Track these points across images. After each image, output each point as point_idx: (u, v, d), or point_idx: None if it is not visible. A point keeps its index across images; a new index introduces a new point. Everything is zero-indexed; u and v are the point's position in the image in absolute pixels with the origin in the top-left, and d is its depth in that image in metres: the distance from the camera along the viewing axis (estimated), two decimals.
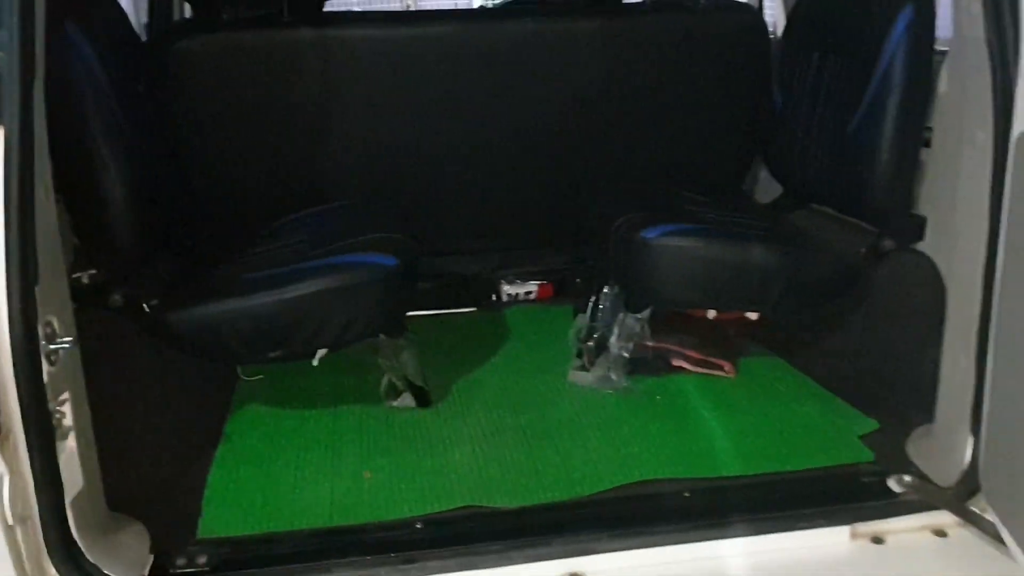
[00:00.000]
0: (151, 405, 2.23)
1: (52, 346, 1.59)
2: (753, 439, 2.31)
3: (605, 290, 2.72)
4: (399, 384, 2.52)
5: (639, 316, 2.51)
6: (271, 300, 2.17)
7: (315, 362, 2.29)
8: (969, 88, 1.94)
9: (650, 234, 2.32)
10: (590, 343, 2.68)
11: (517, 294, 3.30)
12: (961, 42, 1.97)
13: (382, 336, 2.42)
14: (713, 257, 2.32)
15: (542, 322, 3.11)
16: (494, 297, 3.29)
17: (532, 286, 3.30)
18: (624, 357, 2.53)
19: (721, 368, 2.62)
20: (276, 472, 2.24)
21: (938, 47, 2.32)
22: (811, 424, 2.37)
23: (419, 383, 2.52)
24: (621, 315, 2.54)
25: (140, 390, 2.20)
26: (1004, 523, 1.83)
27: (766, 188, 3.14)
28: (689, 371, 2.62)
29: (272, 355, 2.26)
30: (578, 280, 3.24)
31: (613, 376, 2.54)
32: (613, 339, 2.55)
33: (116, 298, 2.15)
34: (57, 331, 1.62)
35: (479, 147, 3.01)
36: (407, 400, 2.53)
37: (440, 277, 3.19)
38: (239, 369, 2.67)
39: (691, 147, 3.13)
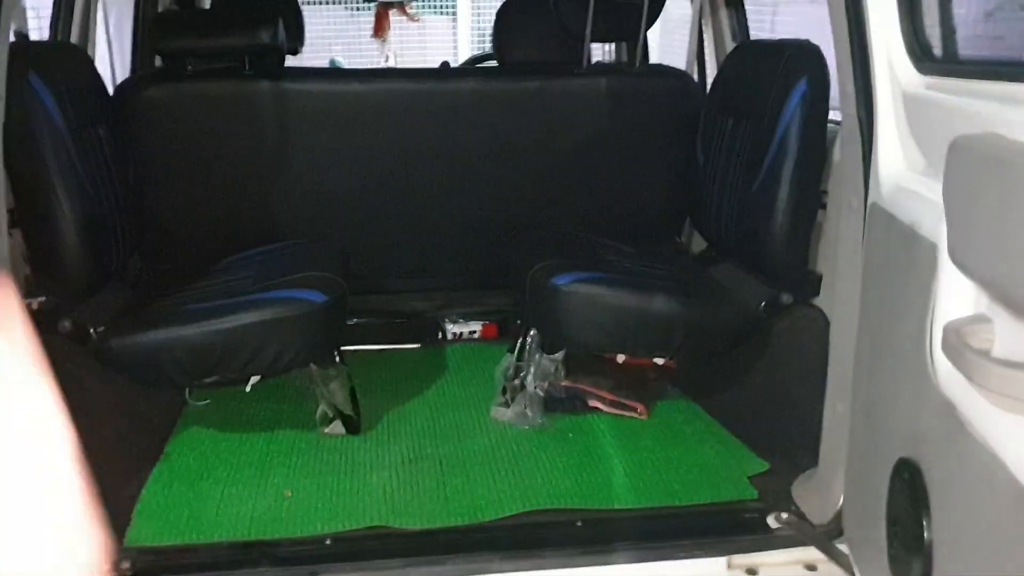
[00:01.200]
0: (96, 425, 2.40)
1: None
2: (650, 475, 2.48)
3: (532, 332, 2.91)
4: (330, 412, 2.70)
5: (553, 357, 2.70)
6: (207, 330, 2.37)
7: (248, 388, 2.48)
8: (847, 158, 2.14)
9: (560, 280, 2.52)
10: (515, 382, 2.86)
11: (461, 333, 3.49)
12: (843, 116, 2.18)
13: (313, 365, 2.61)
14: (618, 304, 2.51)
15: (480, 361, 3.29)
16: (439, 335, 3.48)
17: (476, 325, 3.50)
18: (540, 395, 2.72)
19: (634, 410, 2.79)
20: (206, 489, 2.42)
21: (833, 118, 2.54)
22: (707, 463, 2.54)
23: (348, 411, 2.70)
24: (537, 356, 2.73)
25: (86, 411, 2.38)
26: (856, 561, 2.01)
27: (700, 241, 3.35)
28: (603, 411, 2.80)
29: (208, 381, 2.46)
30: (519, 321, 3.43)
31: (529, 413, 2.72)
32: (529, 378, 2.73)
33: (65, 324, 2.35)
34: None
35: (424, 193, 3.23)
36: (337, 427, 2.71)
37: (387, 315, 3.38)
38: (187, 393, 2.86)
39: (626, 200, 3.34)
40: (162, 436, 2.68)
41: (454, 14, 8.80)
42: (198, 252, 3.08)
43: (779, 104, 2.54)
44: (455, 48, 8.45)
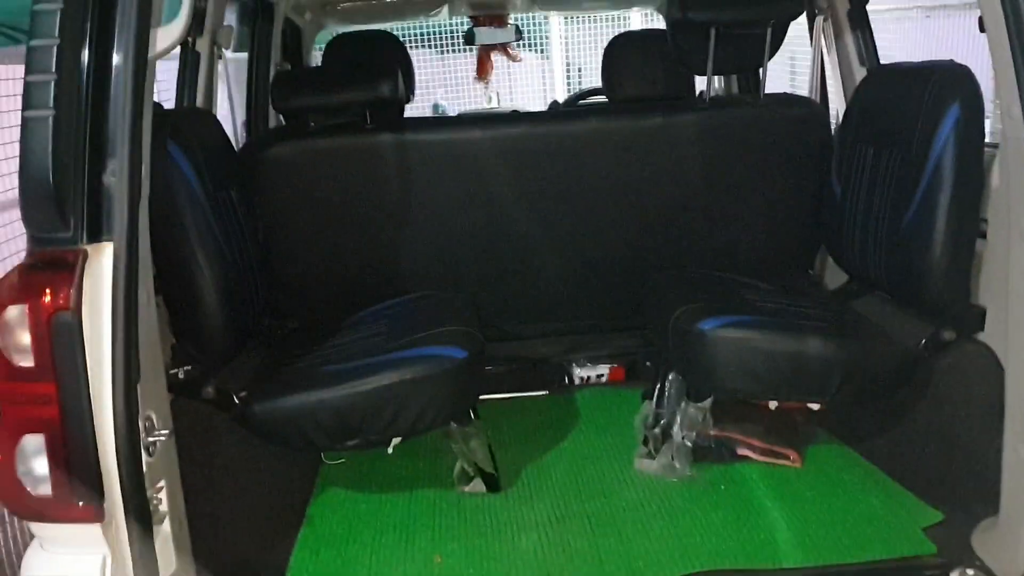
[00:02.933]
0: (239, 489, 2.39)
1: (151, 438, 1.75)
2: (815, 529, 2.33)
3: (670, 376, 2.80)
4: (470, 470, 2.63)
5: (701, 405, 2.58)
6: (349, 392, 2.32)
7: (390, 450, 2.43)
8: (1015, 183, 2.00)
9: (707, 325, 2.41)
10: (656, 430, 2.75)
11: (588, 377, 3.40)
12: (1006, 140, 2.04)
13: (453, 424, 2.55)
14: (770, 348, 2.38)
15: (612, 406, 3.19)
16: (566, 380, 3.40)
17: (603, 369, 3.40)
18: (687, 446, 2.60)
19: (787, 457, 2.65)
20: (353, 555, 2.37)
21: (990, 140, 2.39)
22: (874, 515, 2.38)
23: (488, 469, 2.62)
24: (683, 404, 2.62)
25: (229, 475, 2.37)
26: None
27: (835, 274, 3.20)
28: (754, 460, 2.66)
29: (350, 444, 2.41)
30: (648, 363, 3.32)
31: (677, 464, 2.61)
32: (676, 427, 2.62)
33: (208, 390, 2.33)
34: (155, 424, 1.79)
35: (547, 236, 3.16)
36: (478, 485, 2.63)
37: (513, 361, 3.31)
38: (323, 453, 2.83)
39: (755, 235, 3.21)
40: (303, 499, 2.64)
41: (542, 50, 8.81)
42: (326, 308, 3.07)
43: (930, 130, 2.40)
44: (549, 85, 8.44)
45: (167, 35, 1.79)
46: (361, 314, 2.92)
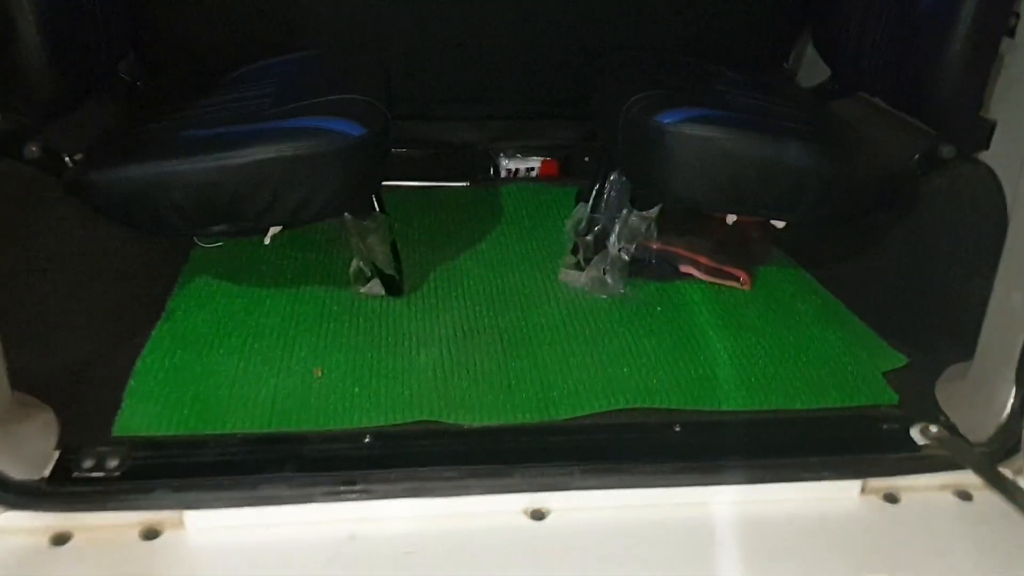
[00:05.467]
0: (75, 274, 1.95)
1: None
2: (762, 367, 2.01)
3: (612, 177, 2.37)
4: (367, 269, 2.22)
5: (646, 213, 2.17)
6: (211, 166, 1.84)
7: (267, 240, 1.98)
8: None
9: (668, 118, 1.95)
10: (588, 237, 2.35)
11: (517, 170, 2.96)
12: None
13: (347, 216, 2.10)
14: (740, 152, 1.95)
15: (541, 205, 2.78)
16: (491, 172, 2.95)
17: (535, 162, 2.96)
18: (624, 259, 2.21)
19: (736, 279, 2.30)
20: (216, 362, 1.97)
21: None
22: (830, 354, 2.06)
23: (389, 271, 2.21)
24: (625, 211, 2.20)
25: (62, 258, 1.92)
26: None
27: (811, 70, 2.74)
28: (697, 279, 2.30)
29: (215, 229, 1.96)
30: (587, 159, 2.89)
31: (609, 280, 2.23)
32: (612, 237, 2.22)
33: (32, 148, 1.83)
34: None
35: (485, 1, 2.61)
36: (376, 287, 2.23)
37: (430, 146, 2.84)
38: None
39: (729, 14, 2.70)
40: (163, 288, 2.21)
41: None
42: (207, 57, 2.52)
43: None
44: None
45: None
46: (244, 69, 2.37)
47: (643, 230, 2.17)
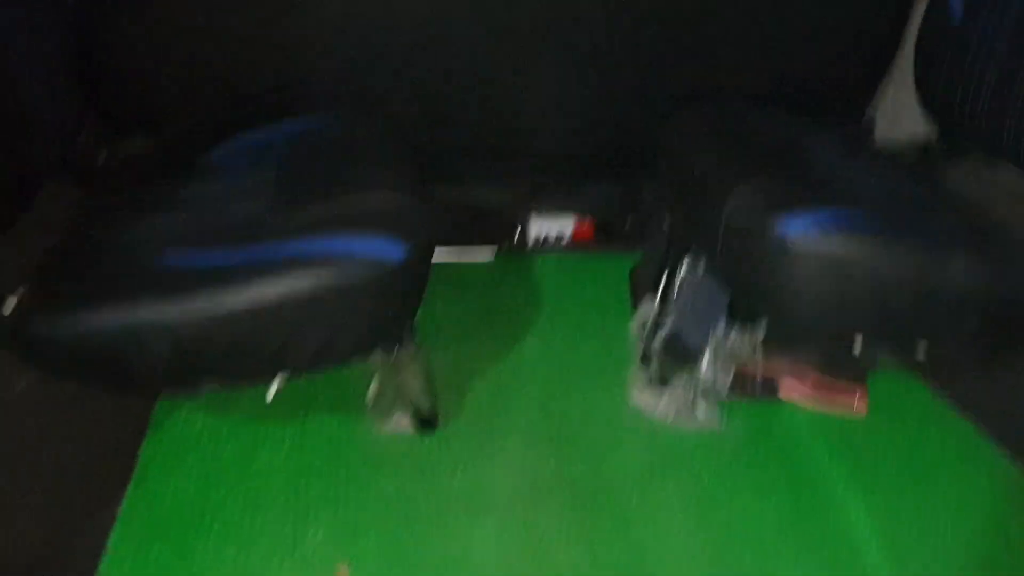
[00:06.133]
0: (27, 439, 1.45)
1: None
2: (914, 537, 1.57)
3: (686, 267, 1.91)
4: (394, 405, 1.74)
5: (753, 334, 1.71)
6: (205, 311, 1.34)
7: (269, 398, 1.49)
8: None
9: (791, 228, 1.49)
10: (658, 346, 1.89)
11: (547, 236, 2.48)
12: None
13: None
14: (891, 273, 1.49)
15: (585, 283, 2.31)
16: (516, 238, 2.47)
17: (567, 223, 2.47)
18: (722, 388, 1.76)
19: (850, 401, 1.85)
20: (203, 553, 1.49)
21: None
22: (983, 503, 1.64)
23: (425, 408, 1.74)
24: (720, 324, 1.73)
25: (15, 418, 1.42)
26: None
27: (896, 118, 2.30)
28: (799, 403, 1.86)
29: (204, 387, 1.46)
30: (632, 217, 2.43)
31: (700, 411, 1.78)
32: (706, 357, 1.76)
33: None
34: None
35: (512, 38, 2.12)
36: (402, 423, 1.76)
37: (446, 208, 2.35)
38: None
39: (810, 55, 2.24)
40: (131, 446, 1.71)
41: None
42: (177, 120, 2.00)
43: None
44: None
45: None
46: (233, 143, 1.86)
47: (750, 352, 1.71)
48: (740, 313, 1.73)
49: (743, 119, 1.99)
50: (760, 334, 1.70)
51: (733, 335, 1.72)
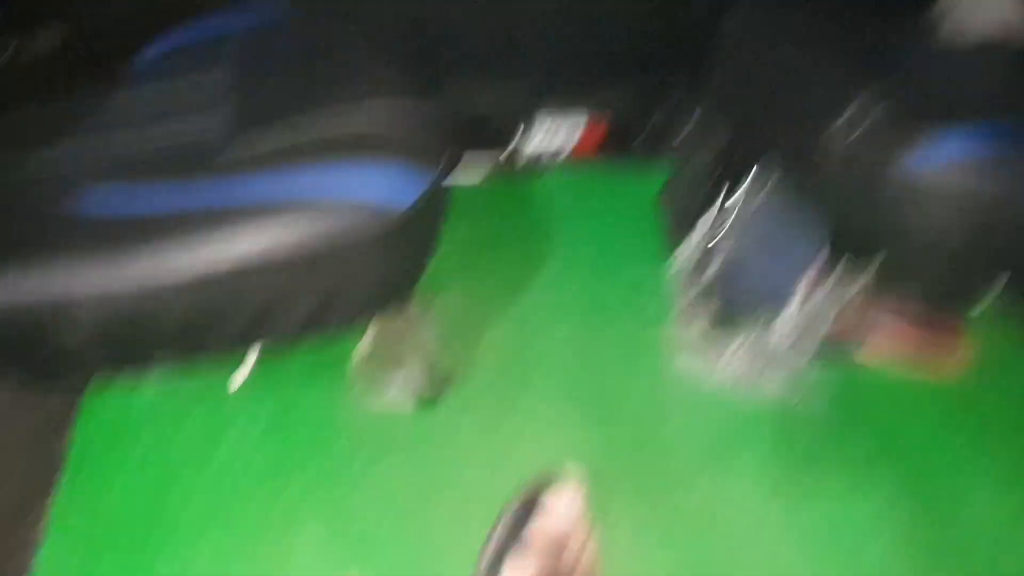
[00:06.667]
0: None
1: None
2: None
3: (747, 183, 1.55)
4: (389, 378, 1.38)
5: (856, 275, 1.35)
6: (152, 279, 0.96)
7: (232, 387, 1.12)
8: None
9: (926, 162, 1.14)
10: (702, 298, 1.54)
11: (545, 151, 2.07)
12: None
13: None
14: None
15: (601, 208, 1.91)
16: (514, 146, 2.06)
17: (576, 125, 2.05)
18: (805, 357, 1.41)
19: (950, 348, 1.52)
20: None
21: None
22: None
23: (438, 379, 1.38)
24: (813, 263, 1.37)
25: None
26: None
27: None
28: (887, 363, 1.53)
29: (153, 372, 1.08)
30: (649, 122, 2.04)
31: (771, 377, 1.44)
32: (791, 306, 1.40)
33: None
34: None
35: None
36: (401, 398, 1.40)
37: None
38: None
39: None
40: (54, 446, 1.33)
41: None
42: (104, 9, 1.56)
43: None
44: None
45: None
46: (173, 36, 1.43)
47: (850, 298, 1.35)
48: (845, 248, 1.36)
49: (816, 10, 1.62)
50: (866, 277, 1.35)
51: (832, 277, 1.36)
